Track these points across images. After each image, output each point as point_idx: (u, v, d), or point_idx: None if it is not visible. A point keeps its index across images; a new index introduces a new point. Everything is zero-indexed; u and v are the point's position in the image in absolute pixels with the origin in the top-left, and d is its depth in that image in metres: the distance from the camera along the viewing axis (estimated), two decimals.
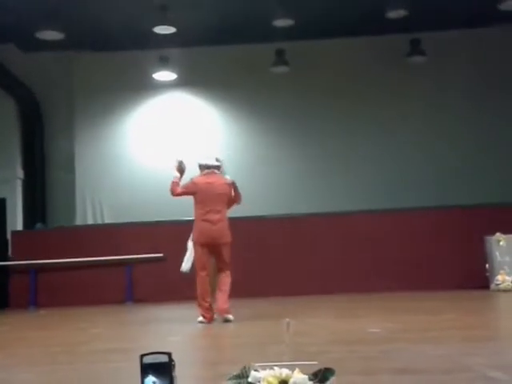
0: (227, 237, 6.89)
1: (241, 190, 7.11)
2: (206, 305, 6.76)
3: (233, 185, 7.01)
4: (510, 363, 3.65)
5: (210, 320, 6.74)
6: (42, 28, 11.27)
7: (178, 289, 11.18)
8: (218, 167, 7.04)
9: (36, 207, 13.44)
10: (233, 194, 7.03)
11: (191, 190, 6.99)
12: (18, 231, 12.58)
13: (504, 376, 3.16)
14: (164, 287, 11.27)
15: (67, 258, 11.43)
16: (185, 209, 12.33)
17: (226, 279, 6.84)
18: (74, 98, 13.69)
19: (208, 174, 6.98)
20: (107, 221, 13.23)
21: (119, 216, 12.86)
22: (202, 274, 6.81)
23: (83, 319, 8.64)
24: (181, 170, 7.11)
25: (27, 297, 11.38)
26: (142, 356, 2.43)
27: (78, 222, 13.34)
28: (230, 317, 6.68)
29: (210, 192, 6.84)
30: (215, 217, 6.82)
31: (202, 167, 7.08)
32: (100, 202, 13.50)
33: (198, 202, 6.93)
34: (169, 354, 2.43)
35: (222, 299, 6.73)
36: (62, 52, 13.17)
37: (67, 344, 5.67)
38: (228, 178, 7.05)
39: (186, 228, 11.70)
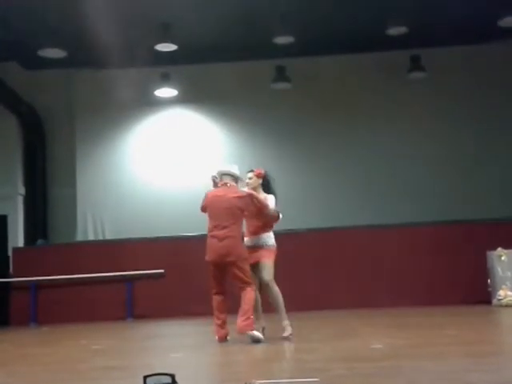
0: (235, 255, 6.31)
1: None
2: (218, 322, 6.42)
3: (249, 197, 6.43)
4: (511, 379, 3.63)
5: (220, 338, 6.37)
6: (45, 46, 11.34)
7: (178, 305, 11.17)
8: (233, 177, 6.57)
9: (37, 223, 13.43)
10: (252, 207, 6.44)
11: (203, 204, 6.60)
12: (19, 248, 12.56)
13: None
14: (165, 303, 11.24)
15: (68, 274, 11.41)
16: (185, 225, 12.41)
17: (245, 296, 6.27)
18: (76, 114, 13.74)
19: (222, 186, 6.54)
20: (108, 237, 13.23)
21: (120, 232, 12.86)
22: (213, 291, 6.46)
23: (84, 336, 8.61)
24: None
25: (28, 313, 11.34)
26: (146, 377, 2.43)
27: (79, 238, 13.33)
28: (252, 333, 6.14)
29: (217, 206, 6.42)
30: (221, 232, 6.35)
31: (219, 177, 6.63)
32: (101, 218, 13.50)
33: (208, 217, 6.52)
34: (172, 376, 2.43)
35: (239, 317, 6.23)
36: (63, 70, 13.24)
37: (68, 361, 5.65)
38: (245, 190, 6.55)
39: (187, 244, 11.78)
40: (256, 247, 6.45)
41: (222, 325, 6.41)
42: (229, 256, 6.30)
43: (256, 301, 6.43)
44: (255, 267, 6.43)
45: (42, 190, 13.62)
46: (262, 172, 6.65)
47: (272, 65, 13.01)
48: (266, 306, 6.52)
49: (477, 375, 3.70)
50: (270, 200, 6.51)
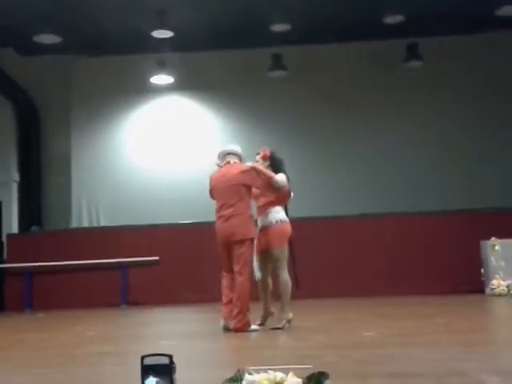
0: (241, 234, 5.96)
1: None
2: (225, 300, 6.07)
3: (254, 170, 6.12)
4: (504, 368, 3.66)
5: (225, 318, 6.07)
6: (40, 32, 11.29)
7: (173, 292, 11.22)
8: (236, 155, 6.26)
9: (32, 210, 13.43)
10: (259, 181, 6.12)
11: (210, 188, 6.29)
12: (14, 234, 12.58)
13: (497, 381, 3.18)
14: (159, 290, 11.28)
15: (63, 260, 11.43)
16: (180, 212, 12.43)
17: (237, 289, 5.95)
18: (71, 101, 13.70)
19: (225, 165, 6.22)
20: (103, 224, 13.24)
21: (115, 219, 12.88)
22: (223, 274, 6.16)
23: (79, 322, 8.63)
24: None
25: (23, 300, 11.37)
26: (143, 357, 2.45)
27: (74, 224, 13.34)
28: (250, 330, 5.95)
29: (221, 185, 6.11)
30: (227, 212, 6.02)
31: (221, 158, 6.30)
32: (96, 205, 13.51)
33: (215, 199, 6.22)
34: (170, 356, 2.45)
35: (233, 317, 5.98)
36: (59, 56, 13.19)
37: (63, 347, 5.67)
38: (248, 164, 6.24)
39: (182, 231, 11.80)
40: (265, 227, 6.13)
41: (228, 303, 6.07)
42: (233, 236, 6.00)
43: (266, 287, 6.22)
44: (267, 254, 6.15)
45: (37, 177, 13.61)
46: (267, 153, 6.37)
47: (268, 53, 12.98)
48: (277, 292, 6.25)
49: (468, 364, 3.74)
50: (279, 176, 6.19)
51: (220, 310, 6.23)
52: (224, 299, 6.12)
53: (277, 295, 6.22)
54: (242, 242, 5.98)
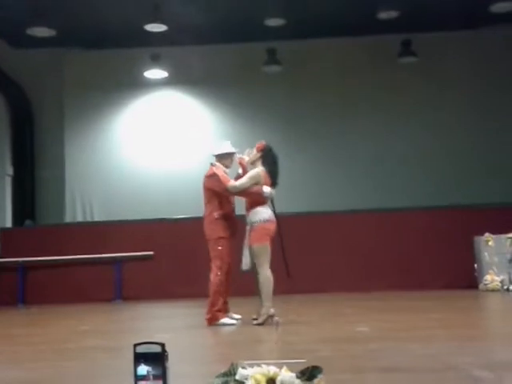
0: (207, 234, 6.47)
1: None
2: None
3: (215, 176, 6.43)
4: (496, 362, 3.68)
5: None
6: (33, 24, 11.22)
7: (167, 287, 11.20)
8: (217, 156, 6.59)
9: (25, 204, 13.38)
10: (221, 186, 6.40)
11: None
12: (7, 228, 12.53)
13: (490, 375, 3.19)
14: (153, 285, 11.26)
15: (56, 255, 11.38)
16: (174, 207, 12.41)
17: (210, 283, 6.38)
18: (65, 94, 13.64)
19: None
20: (96, 218, 13.20)
21: (109, 214, 12.85)
22: None
23: (72, 317, 8.62)
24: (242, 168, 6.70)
25: (16, 294, 11.33)
26: (136, 345, 2.44)
27: (68, 219, 13.29)
28: (221, 322, 6.26)
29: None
30: (203, 213, 6.59)
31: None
32: (90, 200, 13.47)
33: None
34: (162, 345, 2.45)
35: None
36: (52, 49, 13.11)
37: (55, 341, 5.66)
38: (215, 168, 6.52)
39: (176, 226, 11.78)
40: (250, 225, 6.33)
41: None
42: (205, 236, 6.50)
43: (261, 285, 6.24)
44: (250, 251, 6.31)
45: (31, 171, 13.55)
46: (260, 146, 6.52)
47: (263, 47, 12.95)
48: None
49: (461, 358, 3.75)
50: (248, 175, 6.38)
51: None
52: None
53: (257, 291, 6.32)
54: (208, 241, 6.48)
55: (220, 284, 6.34)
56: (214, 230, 6.42)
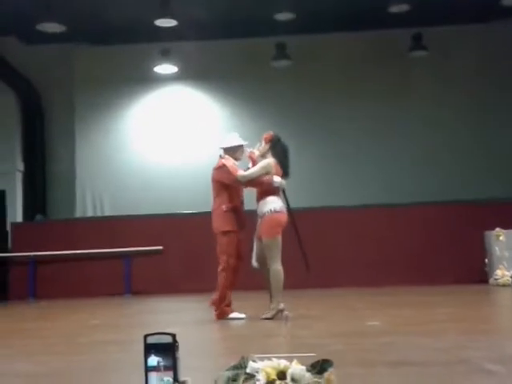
0: (214, 228, 6.40)
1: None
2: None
3: (223, 167, 6.37)
4: (507, 356, 3.66)
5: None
6: (44, 20, 11.22)
7: (176, 281, 11.22)
8: (224, 149, 6.50)
9: (36, 199, 13.43)
10: (230, 177, 6.33)
11: None
12: (18, 223, 12.59)
13: (501, 369, 3.17)
14: (162, 280, 11.29)
15: (67, 250, 11.44)
16: (184, 201, 12.43)
17: (218, 278, 6.36)
18: (75, 90, 13.67)
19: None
20: (107, 213, 13.23)
21: (119, 208, 12.87)
22: None
23: (82, 311, 8.66)
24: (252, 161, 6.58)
25: (27, 288, 11.40)
26: (146, 336, 2.44)
27: (78, 214, 13.35)
28: (230, 317, 6.28)
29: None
30: (212, 206, 6.52)
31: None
32: (100, 195, 13.50)
33: None
34: (173, 335, 2.44)
35: None
36: (63, 45, 13.13)
37: (66, 335, 5.69)
38: (225, 159, 6.45)
39: (186, 221, 11.80)
40: (259, 217, 6.24)
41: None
42: (213, 229, 6.43)
43: (267, 277, 6.20)
44: (261, 244, 6.21)
45: (41, 166, 13.60)
46: (268, 136, 6.44)
47: (272, 42, 12.91)
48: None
49: (470, 352, 3.73)
50: (258, 164, 6.29)
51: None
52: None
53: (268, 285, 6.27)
54: (216, 235, 6.41)
55: (226, 278, 6.29)
56: (223, 223, 6.34)
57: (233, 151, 6.50)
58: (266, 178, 6.22)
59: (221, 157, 6.51)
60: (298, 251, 6.43)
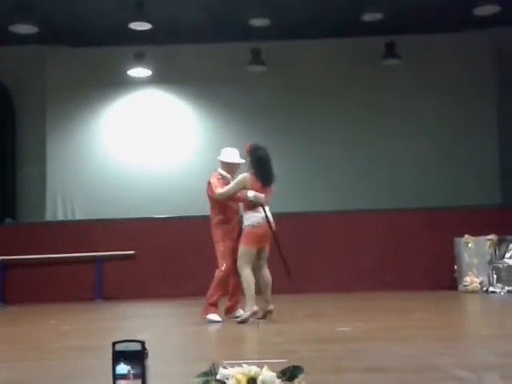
0: (212, 237, 6.76)
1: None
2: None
3: (210, 183, 6.70)
4: (477, 363, 3.70)
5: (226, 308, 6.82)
6: (16, 21, 11.08)
7: (149, 287, 11.14)
8: (223, 163, 6.82)
9: (5, 202, 13.25)
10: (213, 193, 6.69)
11: None
12: None
13: (471, 376, 3.21)
14: (135, 285, 11.19)
15: (37, 254, 11.27)
16: (157, 206, 12.35)
17: (214, 279, 6.69)
18: (47, 92, 13.51)
19: None
20: (78, 217, 13.10)
21: (90, 212, 12.75)
22: None
23: (52, 316, 8.54)
24: None
25: None
26: (115, 343, 2.41)
27: (49, 217, 13.17)
28: (207, 319, 6.46)
29: None
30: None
31: None
32: (71, 198, 13.35)
33: None
34: (142, 343, 2.42)
35: None
36: (36, 46, 12.97)
37: (36, 341, 5.61)
38: (213, 175, 6.76)
39: (158, 225, 11.74)
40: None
41: (230, 297, 6.79)
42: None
43: (255, 284, 6.42)
44: None
45: (11, 169, 13.41)
46: (246, 148, 6.65)
47: (248, 47, 12.93)
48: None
49: (442, 358, 3.77)
50: (234, 180, 6.54)
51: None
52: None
53: (257, 290, 6.45)
54: (214, 242, 6.75)
55: (220, 280, 6.55)
56: (216, 234, 6.72)
57: (229, 166, 6.81)
58: (240, 193, 6.42)
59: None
60: (278, 259, 6.54)
